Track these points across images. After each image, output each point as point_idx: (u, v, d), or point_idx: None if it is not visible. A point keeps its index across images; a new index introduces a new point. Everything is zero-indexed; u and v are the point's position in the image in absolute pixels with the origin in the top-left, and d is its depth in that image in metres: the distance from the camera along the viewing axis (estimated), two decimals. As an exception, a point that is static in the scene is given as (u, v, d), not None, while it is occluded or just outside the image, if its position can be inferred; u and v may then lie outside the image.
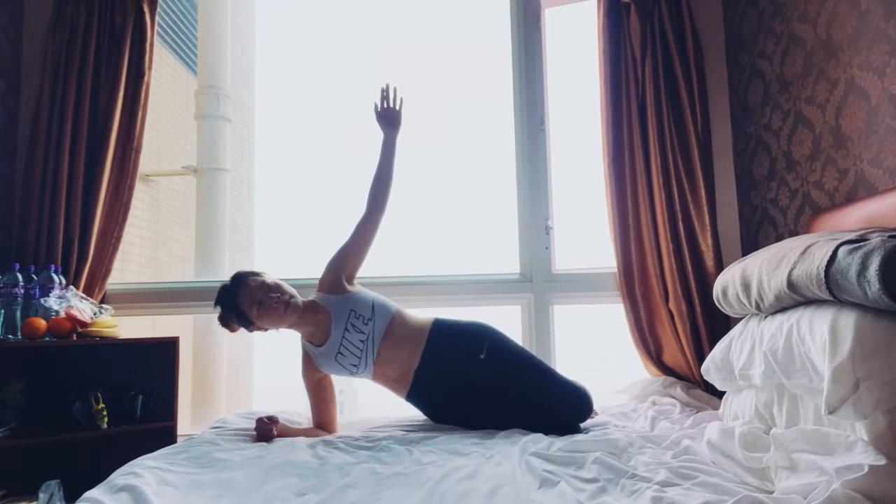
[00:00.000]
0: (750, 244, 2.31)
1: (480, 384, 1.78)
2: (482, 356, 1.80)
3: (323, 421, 1.87)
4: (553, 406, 1.77)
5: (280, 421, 1.86)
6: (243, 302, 1.76)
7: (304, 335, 1.88)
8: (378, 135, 2.03)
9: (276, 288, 1.79)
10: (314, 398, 1.89)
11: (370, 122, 2.04)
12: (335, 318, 1.83)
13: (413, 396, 1.84)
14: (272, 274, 1.87)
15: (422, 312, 1.96)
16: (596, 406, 1.88)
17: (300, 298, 1.84)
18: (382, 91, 2.03)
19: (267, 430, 1.67)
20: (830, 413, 1.03)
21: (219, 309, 1.82)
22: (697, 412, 1.88)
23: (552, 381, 1.82)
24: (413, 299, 2.42)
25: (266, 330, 1.83)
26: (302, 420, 1.98)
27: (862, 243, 1.09)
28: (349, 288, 1.90)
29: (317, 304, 1.86)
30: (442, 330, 1.86)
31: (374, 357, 1.81)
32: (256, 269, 1.88)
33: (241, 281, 1.79)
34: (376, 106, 2.03)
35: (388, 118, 2.01)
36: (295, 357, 1.94)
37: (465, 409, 1.80)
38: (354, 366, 1.81)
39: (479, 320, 1.92)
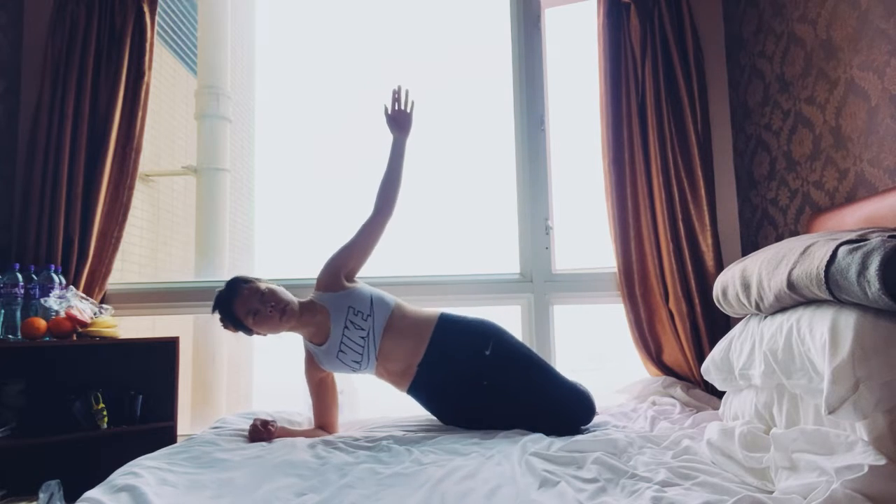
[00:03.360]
0: (750, 244, 2.31)
1: (484, 380, 1.78)
2: (487, 352, 1.79)
3: (324, 422, 1.87)
4: (554, 407, 1.77)
5: (279, 422, 1.86)
6: (238, 310, 1.73)
7: (305, 336, 1.87)
8: (380, 133, 2.00)
9: (271, 295, 1.75)
10: (316, 398, 1.88)
11: (371, 120, 2.03)
12: (333, 316, 1.81)
13: (415, 389, 1.84)
14: (268, 280, 1.84)
15: (425, 307, 1.95)
16: (596, 406, 1.87)
17: (296, 302, 1.81)
18: (394, 93, 1.99)
19: (260, 436, 1.66)
20: (830, 413, 1.03)
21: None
22: (697, 412, 1.88)
23: (554, 382, 1.81)
24: (413, 299, 2.40)
25: (265, 335, 1.82)
26: (302, 420, 1.98)
27: (862, 243, 1.09)
28: (347, 285, 1.86)
29: (314, 303, 1.84)
30: (448, 324, 1.85)
31: (377, 353, 1.80)
32: (255, 272, 1.87)
33: (235, 289, 1.75)
34: (386, 109, 1.99)
35: (398, 121, 1.97)
36: (295, 357, 1.93)
37: (467, 404, 1.80)
38: (356, 362, 1.81)
39: (486, 318, 1.91)
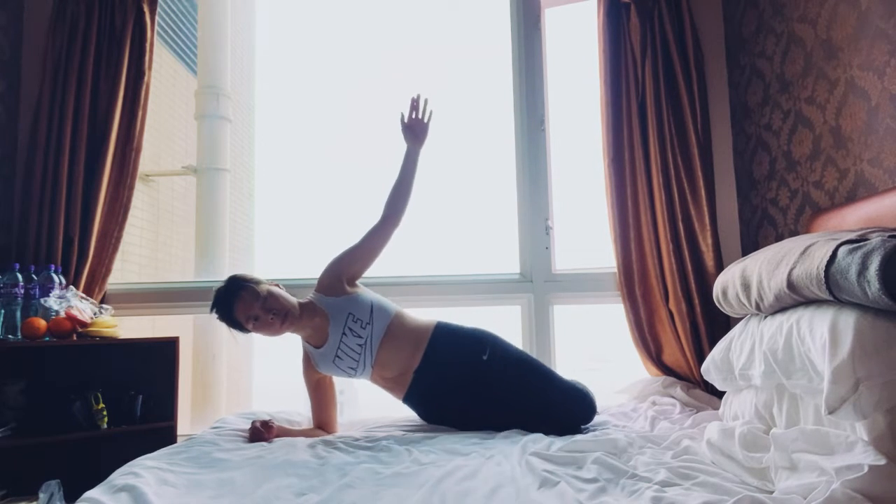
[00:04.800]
0: (750, 244, 2.31)
1: (481, 386, 1.78)
2: (485, 357, 1.79)
3: (323, 421, 1.87)
4: (554, 410, 1.76)
5: (279, 422, 1.86)
6: (239, 315, 1.72)
7: (302, 336, 1.87)
8: (380, 131, 1.99)
9: (273, 301, 1.73)
10: (314, 398, 1.88)
11: (371, 121, 2.02)
12: (333, 321, 1.80)
13: (411, 397, 1.83)
14: (267, 279, 1.82)
15: (423, 314, 1.95)
16: (597, 404, 1.87)
17: (297, 306, 1.79)
18: (413, 101, 1.95)
19: (260, 436, 1.66)
20: (830, 413, 1.03)
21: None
22: (697, 412, 1.88)
23: (554, 385, 1.81)
24: (413, 299, 2.42)
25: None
26: (302, 420, 1.98)
27: (862, 243, 1.09)
28: (349, 289, 1.85)
29: (314, 305, 1.83)
30: (445, 332, 1.86)
31: (373, 360, 1.80)
32: (255, 272, 1.86)
33: (237, 294, 1.72)
34: (403, 116, 1.95)
35: (414, 130, 1.93)
36: (295, 358, 1.93)
37: (465, 410, 1.79)
38: (353, 368, 1.81)
39: (482, 327, 1.91)
